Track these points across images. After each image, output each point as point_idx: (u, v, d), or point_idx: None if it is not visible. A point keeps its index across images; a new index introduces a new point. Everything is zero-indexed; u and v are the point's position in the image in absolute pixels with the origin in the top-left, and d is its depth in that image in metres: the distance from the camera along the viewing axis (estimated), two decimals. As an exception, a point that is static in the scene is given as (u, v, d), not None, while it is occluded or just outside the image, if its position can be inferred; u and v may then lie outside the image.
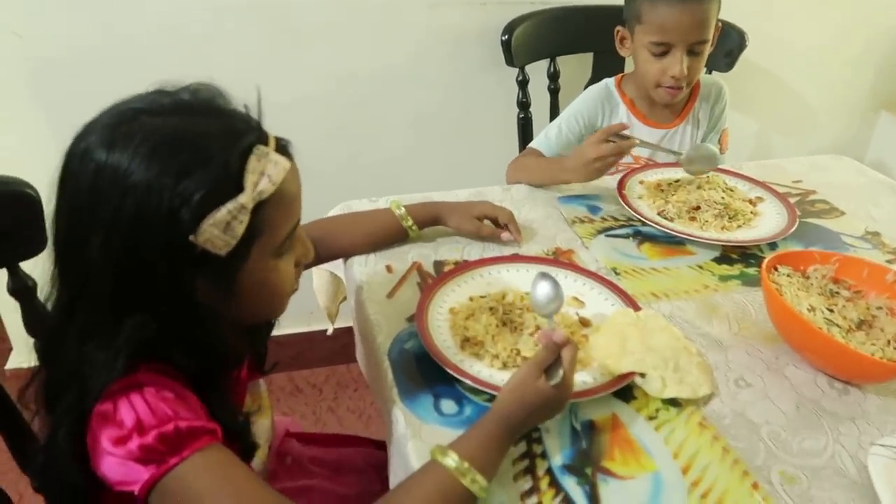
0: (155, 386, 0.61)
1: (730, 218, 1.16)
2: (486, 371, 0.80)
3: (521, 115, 1.64)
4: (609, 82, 1.44)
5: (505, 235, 1.05)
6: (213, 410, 0.65)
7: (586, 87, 1.52)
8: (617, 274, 1.02)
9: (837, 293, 0.92)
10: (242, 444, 0.72)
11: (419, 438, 0.73)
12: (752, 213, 1.19)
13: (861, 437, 0.76)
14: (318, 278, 1.20)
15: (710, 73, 1.63)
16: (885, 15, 1.93)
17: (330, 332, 1.24)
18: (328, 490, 0.95)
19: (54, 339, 0.66)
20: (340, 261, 1.07)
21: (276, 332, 0.87)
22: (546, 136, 1.40)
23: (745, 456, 0.73)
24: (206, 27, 1.46)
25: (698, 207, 1.18)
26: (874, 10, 1.91)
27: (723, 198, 1.20)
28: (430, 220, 1.06)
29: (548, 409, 0.71)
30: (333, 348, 1.91)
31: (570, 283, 0.95)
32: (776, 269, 0.93)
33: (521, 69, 1.60)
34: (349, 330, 1.05)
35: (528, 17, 1.59)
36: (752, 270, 1.05)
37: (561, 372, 0.70)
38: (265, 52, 1.52)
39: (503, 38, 1.57)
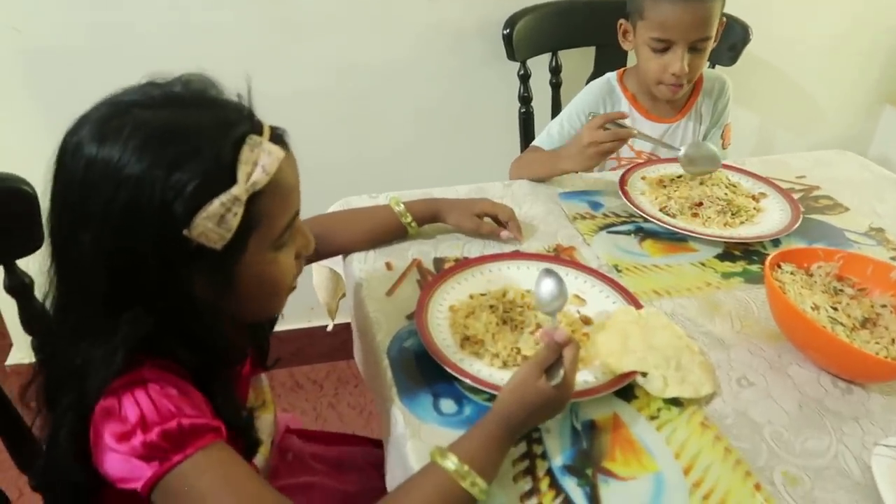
0: (159, 382, 0.61)
1: (732, 214, 1.15)
2: (487, 370, 0.79)
3: (523, 110, 1.63)
4: (611, 77, 1.43)
5: (504, 234, 1.04)
6: (218, 406, 0.65)
7: (588, 81, 1.51)
8: (618, 271, 1.01)
9: (841, 291, 0.91)
10: (246, 440, 0.71)
11: (418, 438, 0.72)
12: (755, 209, 1.18)
13: (865, 438, 0.75)
14: (317, 275, 1.19)
15: (713, 67, 1.62)
16: (889, 8, 1.91)
17: (330, 328, 1.23)
18: (330, 487, 0.95)
19: (53, 337, 0.66)
20: (340, 257, 1.07)
21: (276, 328, 0.87)
22: (548, 134, 1.39)
23: (747, 456, 0.72)
24: (204, 20, 1.45)
25: (701, 203, 1.17)
26: (878, 4, 1.90)
27: (725, 194, 1.19)
28: (429, 216, 1.05)
29: (549, 409, 0.71)
30: (334, 344, 1.90)
31: (572, 281, 0.94)
32: (779, 266, 0.92)
33: (523, 63, 1.59)
34: (349, 326, 1.04)
35: (530, 10, 1.57)
36: (754, 267, 1.04)
37: (562, 372, 0.69)
38: (264, 45, 1.51)
39: (504, 31, 1.55)
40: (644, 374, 0.79)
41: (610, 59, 1.58)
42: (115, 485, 0.60)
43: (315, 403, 1.87)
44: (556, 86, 1.65)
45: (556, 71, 1.63)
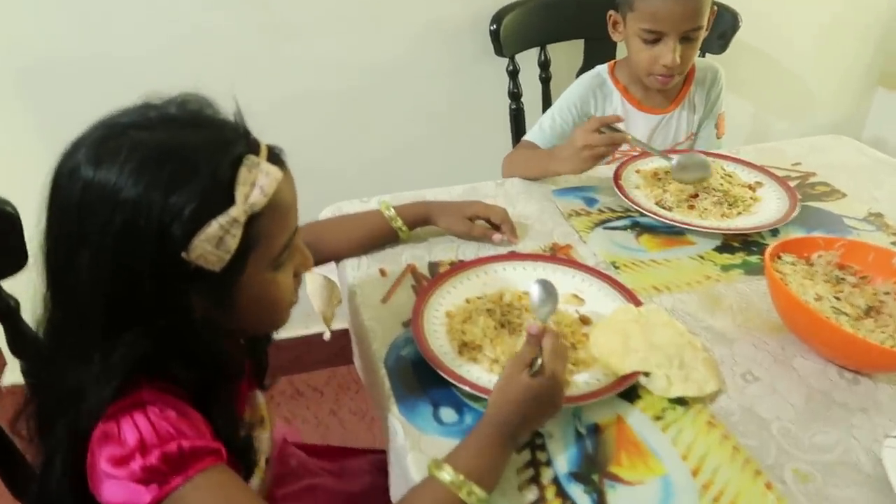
0: (158, 405, 0.60)
1: (729, 205, 1.13)
2: (486, 376, 0.77)
3: (513, 107, 1.61)
4: (602, 69, 1.41)
5: (497, 237, 1.02)
6: (218, 427, 0.64)
7: (578, 74, 1.49)
8: (616, 268, 0.99)
9: (843, 279, 0.89)
10: (245, 461, 0.71)
11: (419, 450, 0.70)
12: (751, 198, 1.16)
13: (875, 430, 0.74)
14: (311, 283, 1.17)
15: (703, 55, 1.60)
16: (878, -10, 1.90)
17: (327, 337, 1.21)
18: (334, 488, 0.95)
19: (46, 361, 0.65)
20: (334, 264, 1.05)
21: (273, 337, 0.85)
22: (540, 128, 1.37)
23: (756, 454, 0.71)
24: (193, 25, 1.43)
25: (697, 195, 1.15)
26: (867, -14, 1.89)
27: (721, 184, 1.18)
28: (420, 220, 1.03)
29: (541, 405, 0.69)
30: (333, 350, 1.87)
31: (569, 280, 0.93)
32: (779, 257, 0.91)
33: (512, 59, 1.57)
34: (348, 330, 1.02)
35: (517, 5, 1.55)
36: (754, 259, 1.02)
37: (539, 360, 0.68)
38: (251, 50, 1.49)
39: (492, 27, 1.53)
40: (647, 374, 0.78)
41: (599, 51, 1.57)
42: None
43: (316, 411, 1.86)
44: (545, 80, 1.63)
45: (544, 65, 1.61)
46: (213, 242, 0.57)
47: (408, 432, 0.72)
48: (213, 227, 0.56)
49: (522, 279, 0.92)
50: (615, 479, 0.68)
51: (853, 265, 0.91)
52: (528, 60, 1.60)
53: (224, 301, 0.62)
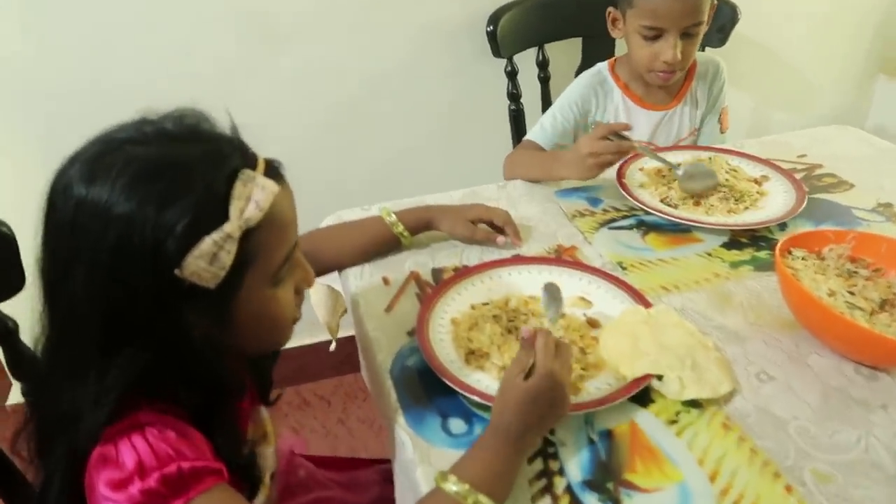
0: (156, 426, 0.59)
1: (736, 200, 1.12)
2: (495, 385, 0.75)
3: (513, 108, 1.59)
4: (602, 66, 1.40)
5: (501, 240, 1.01)
6: (219, 446, 0.63)
7: (577, 73, 1.47)
8: (623, 268, 0.98)
9: (856, 273, 0.87)
10: (249, 478, 0.69)
11: (428, 463, 0.69)
12: (758, 192, 1.14)
13: (895, 426, 0.72)
14: (315, 293, 1.15)
15: (702, 49, 1.58)
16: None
17: (333, 347, 1.20)
18: (343, 500, 0.93)
19: (44, 382, 0.64)
20: (337, 273, 1.03)
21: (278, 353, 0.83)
22: (541, 127, 1.36)
23: (774, 456, 0.69)
24: (194, 37, 1.42)
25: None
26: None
27: (727, 179, 1.16)
28: (421, 225, 1.02)
29: (541, 406, 0.66)
30: (339, 358, 1.85)
31: (576, 283, 0.91)
32: (790, 252, 0.89)
33: (510, 60, 1.55)
34: (353, 338, 1.01)
35: (514, 4, 1.54)
36: (763, 254, 1.01)
37: (531, 360, 0.67)
38: (246, 58, 1.48)
39: (488, 28, 1.52)
40: (659, 377, 0.76)
41: (597, 49, 1.55)
42: None
43: (324, 420, 1.84)
44: (544, 80, 1.61)
45: (543, 65, 1.60)
46: (206, 259, 0.56)
47: (416, 445, 0.71)
48: (207, 243, 0.55)
49: (528, 283, 0.91)
50: (630, 486, 0.66)
51: (865, 258, 0.89)
52: (526, 61, 1.58)
53: (222, 319, 0.60)
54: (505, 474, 0.64)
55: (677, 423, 0.73)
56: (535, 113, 1.55)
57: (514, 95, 1.58)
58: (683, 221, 1.06)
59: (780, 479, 0.66)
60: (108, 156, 0.57)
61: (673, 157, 1.23)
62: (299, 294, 0.70)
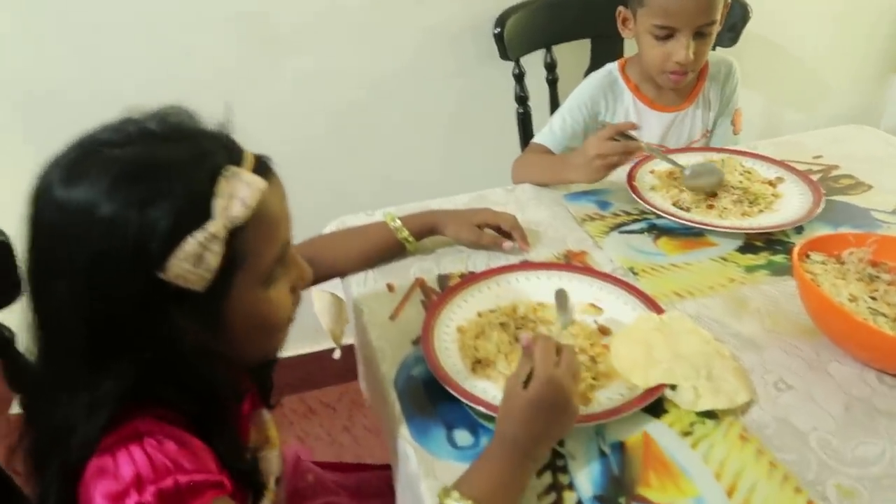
0: (156, 436, 0.57)
1: (750, 203, 1.09)
2: (501, 395, 0.73)
3: (521, 110, 1.57)
4: (612, 67, 1.37)
5: (507, 245, 0.98)
6: (220, 453, 0.61)
7: (586, 75, 1.45)
8: (634, 274, 0.95)
9: (877, 277, 0.84)
10: (253, 484, 0.67)
11: (433, 477, 0.66)
12: (773, 195, 1.11)
13: (922, 438, 0.69)
14: (318, 301, 1.13)
15: (713, 49, 1.55)
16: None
17: (337, 355, 1.18)
18: (353, 508, 0.91)
19: (37, 393, 0.62)
20: (339, 280, 1.01)
21: (282, 354, 0.81)
22: (550, 129, 1.33)
23: (795, 470, 0.66)
24: (196, 41, 1.41)
25: (715, 194, 1.10)
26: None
27: (741, 181, 1.13)
28: (426, 230, 0.99)
29: (544, 414, 0.64)
30: (344, 365, 1.82)
31: (586, 289, 0.88)
32: (808, 256, 0.86)
33: (517, 62, 1.53)
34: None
35: (521, 6, 1.52)
36: (779, 258, 0.98)
37: (528, 367, 0.65)
38: (249, 63, 1.46)
39: (495, 30, 1.50)
40: (673, 387, 0.73)
41: (606, 50, 1.53)
42: None
43: (329, 428, 1.82)
44: (552, 83, 1.58)
45: (551, 67, 1.57)
46: (191, 261, 0.53)
47: (420, 457, 0.68)
48: (191, 243, 0.53)
49: (536, 290, 0.88)
50: (644, 501, 0.63)
51: (887, 262, 0.86)
52: (533, 63, 1.56)
53: (213, 323, 0.58)
54: (512, 487, 0.62)
55: (692, 435, 0.70)
56: (542, 116, 1.52)
57: (522, 98, 1.56)
58: (696, 225, 1.03)
59: (801, 495, 0.63)
60: (90, 158, 0.55)
61: (685, 159, 1.20)
62: (295, 293, 0.68)
